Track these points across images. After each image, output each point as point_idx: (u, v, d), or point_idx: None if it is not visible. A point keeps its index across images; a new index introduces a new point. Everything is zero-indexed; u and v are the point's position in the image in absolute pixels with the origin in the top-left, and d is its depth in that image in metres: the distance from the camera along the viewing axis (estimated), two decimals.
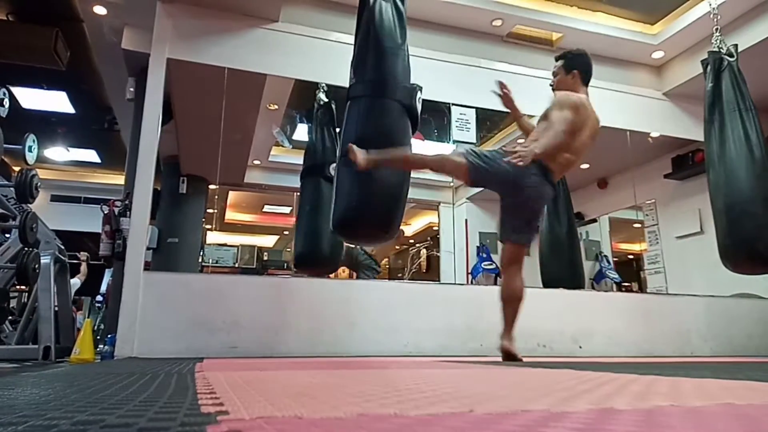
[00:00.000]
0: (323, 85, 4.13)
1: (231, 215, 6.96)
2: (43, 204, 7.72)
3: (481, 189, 6.07)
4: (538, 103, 4.52)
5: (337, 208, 2.62)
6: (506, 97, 2.84)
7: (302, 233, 3.81)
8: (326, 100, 4.09)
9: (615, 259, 6.04)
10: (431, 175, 5.82)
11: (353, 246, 5.45)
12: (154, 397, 0.85)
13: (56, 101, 5.95)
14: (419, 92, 2.74)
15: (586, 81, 2.74)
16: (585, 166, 5.47)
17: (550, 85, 2.81)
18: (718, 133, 3.38)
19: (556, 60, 2.80)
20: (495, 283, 5.68)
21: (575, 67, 2.73)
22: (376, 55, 2.67)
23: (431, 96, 4.10)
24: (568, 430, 0.52)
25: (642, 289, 5.63)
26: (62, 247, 3.56)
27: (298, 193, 4.02)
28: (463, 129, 4.31)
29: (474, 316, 3.70)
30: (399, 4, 2.81)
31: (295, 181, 3.99)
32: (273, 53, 3.85)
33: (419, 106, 2.74)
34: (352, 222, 2.63)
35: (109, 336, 3.13)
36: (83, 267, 5.92)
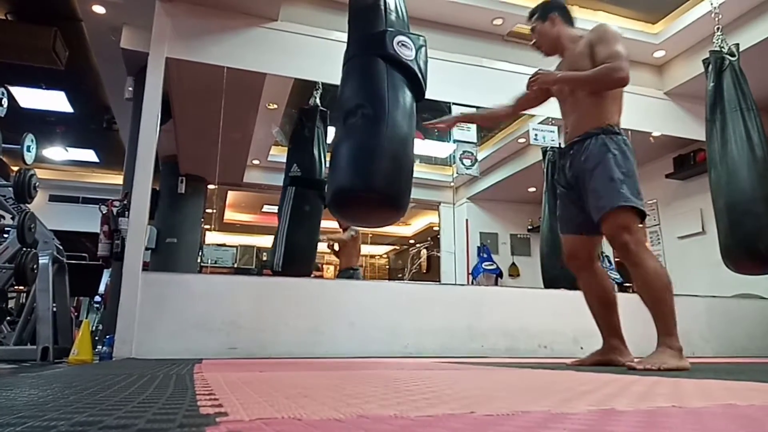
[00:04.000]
0: (320, 84, 4.13)
1: (230, 215, 6.96)
2: (42, 204, 7.71)
3: (483, 189, 6.10)
4: None
5: (335, 179, 2.26)
6: (454, 122, 2.69)
7: (284, 242, 3.83)
8: (320, 105, 4.09)
9: (616, 259, 6.03)
10: (431, 174, 5.86)
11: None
12: (153, 398, 0.85)
13: (55, 101, 5.94)
14: (398, 36, 2.32)
15: (569, 20, 2.39)
16: None
17: (536, 46, 2.45)
18: (719, 133, 3.38)
19: (529, 19, 2.45)
20: (495, 284, 5.68)
21: (550, 10, 2.37)
22: (349, 23, 2.49)
23: (431, 95, 4.09)
24: (568, 431, 0.52)
25: None
26: (60, 248, 3.55)
27: (281, 200, 4.04)
28: (464, 128, 4.31)
29: (475, 316, 3.69)
30: None
31: None
32: (272, 52, 3.85)
33: (407, 52, 2.32)
34: (352, 194, 2.23)
35: (107, 337, 3.12)
36: None
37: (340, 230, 5.25)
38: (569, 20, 2.38)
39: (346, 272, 5.19)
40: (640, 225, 2.11)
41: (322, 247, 4.96)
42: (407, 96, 2.34)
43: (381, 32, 2.32)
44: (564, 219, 2.36)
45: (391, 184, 2.23)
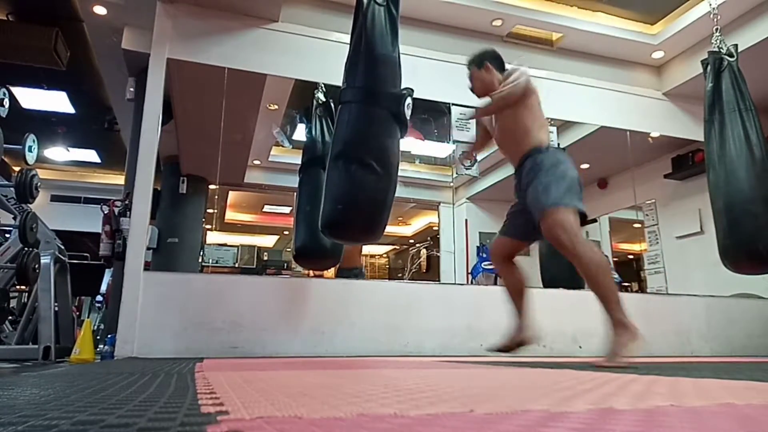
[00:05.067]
0: (322, 85, 4.12)
1: (231, 215, 6.95)
2: (43, 204, 7.72)
3: (482, 189, 6.11)
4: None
5: (325, 209, 2.68)
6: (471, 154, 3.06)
7: (303, 226, 3.75)
8: (324, 99, 4.09)
9: (615, 259, 6.04)
10: (431, 175, 5.86)
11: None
12: (154, 397, 0.85)
13: (56, 101, 5.94)
14: (408, 98, 2.79)
15: (501, 67, 2.73)
16: (585, 166, 5.48)
17: (473, 92, 2.77)
18: (718, 133, 3.38)
19: (468, 68, 2.77)
20: (495, 283, 5.68)
21: (484, 59, 2.72)
22: (366, 62, 2.71)
23: (431, 96, 4.12)
24: (567, 430, 0.52)
25: (642, 289, 5.63)
26: (62, 247, 3.56)
27: (298, 187, 3.99)
28: (463, 129, 4.30)
29: (474, 316, 3.70)
30: (392, 9, 2.80)
31: (294, 181, 3.97)
32: (273, 53, 3.85)
33: (408, 112, 2.78)
34: (338, 224, 2.69)
35: (109, 336, 3.12)
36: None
37: None
38: (501, 68, 2.73)
39: (350, 272, 5.12)
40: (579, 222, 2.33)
41: None
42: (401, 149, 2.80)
43: (400, 94, 2.73)
44: (505, 225, 2.71)
45: (384, 226, 2.75)
